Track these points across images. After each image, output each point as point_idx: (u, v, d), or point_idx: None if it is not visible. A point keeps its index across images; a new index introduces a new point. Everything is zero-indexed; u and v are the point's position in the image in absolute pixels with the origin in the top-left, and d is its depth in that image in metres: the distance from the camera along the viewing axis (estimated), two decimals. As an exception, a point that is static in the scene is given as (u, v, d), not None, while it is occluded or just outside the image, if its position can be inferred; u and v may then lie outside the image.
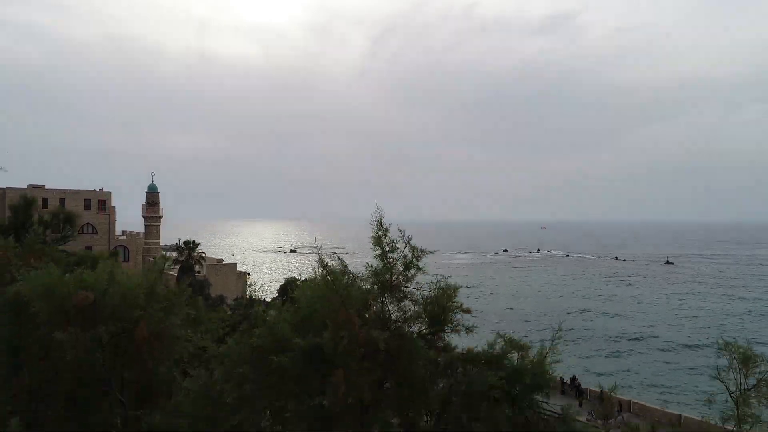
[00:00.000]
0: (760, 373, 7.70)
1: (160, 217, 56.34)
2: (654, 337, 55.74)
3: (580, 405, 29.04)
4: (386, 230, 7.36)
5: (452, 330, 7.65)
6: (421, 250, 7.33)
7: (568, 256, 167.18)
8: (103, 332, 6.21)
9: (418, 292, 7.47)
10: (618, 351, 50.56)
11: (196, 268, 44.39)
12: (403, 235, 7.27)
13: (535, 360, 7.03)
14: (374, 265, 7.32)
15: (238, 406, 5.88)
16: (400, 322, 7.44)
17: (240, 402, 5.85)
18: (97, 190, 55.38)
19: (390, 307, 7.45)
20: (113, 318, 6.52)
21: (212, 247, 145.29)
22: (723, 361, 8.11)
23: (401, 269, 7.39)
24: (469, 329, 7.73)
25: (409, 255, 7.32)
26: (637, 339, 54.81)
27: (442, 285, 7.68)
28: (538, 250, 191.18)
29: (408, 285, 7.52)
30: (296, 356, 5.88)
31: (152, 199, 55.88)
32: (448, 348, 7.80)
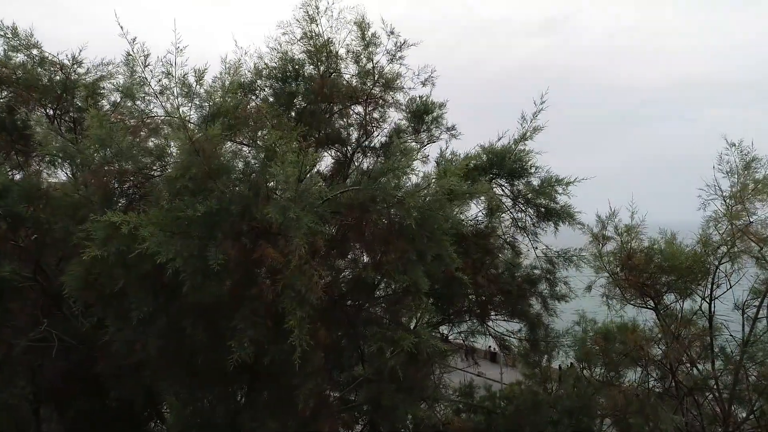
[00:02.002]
0: (764, 178, 7.36)
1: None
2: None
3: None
4: (369, 24, 7.06)
5: (436, 127, 7.43)
6: (404, 42, 7.03)
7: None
8: None
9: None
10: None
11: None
12: (386, 26, 6.94)
13: (510, 147, 6.78)
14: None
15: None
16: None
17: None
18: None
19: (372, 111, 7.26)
20: None
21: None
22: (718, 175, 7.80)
23: (385, 62, 7.10)
24: (452, 133, 7.49)
25: (392, 47, 7.01)
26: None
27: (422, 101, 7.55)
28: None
29: (394, 85, 7.25)
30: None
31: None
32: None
